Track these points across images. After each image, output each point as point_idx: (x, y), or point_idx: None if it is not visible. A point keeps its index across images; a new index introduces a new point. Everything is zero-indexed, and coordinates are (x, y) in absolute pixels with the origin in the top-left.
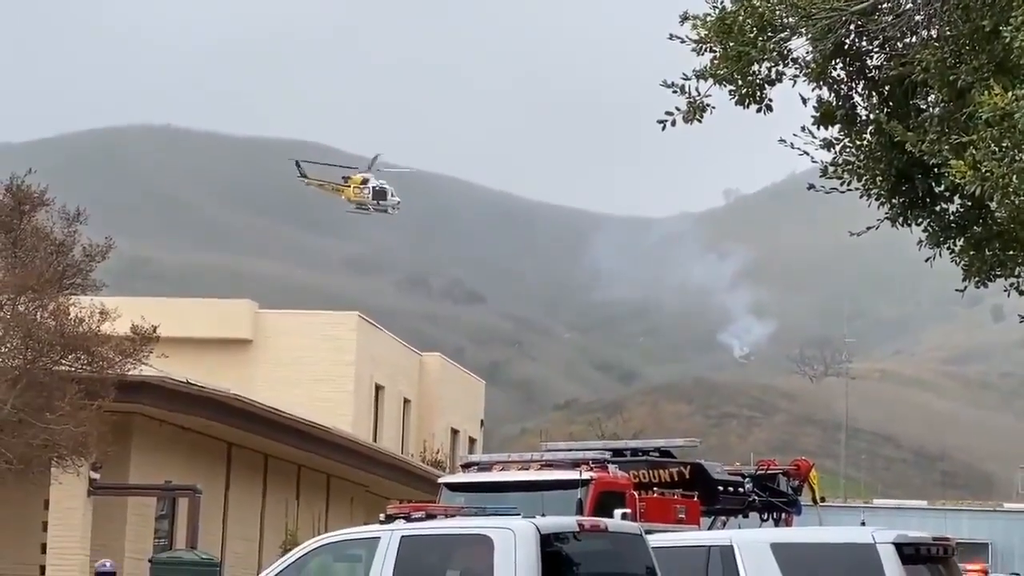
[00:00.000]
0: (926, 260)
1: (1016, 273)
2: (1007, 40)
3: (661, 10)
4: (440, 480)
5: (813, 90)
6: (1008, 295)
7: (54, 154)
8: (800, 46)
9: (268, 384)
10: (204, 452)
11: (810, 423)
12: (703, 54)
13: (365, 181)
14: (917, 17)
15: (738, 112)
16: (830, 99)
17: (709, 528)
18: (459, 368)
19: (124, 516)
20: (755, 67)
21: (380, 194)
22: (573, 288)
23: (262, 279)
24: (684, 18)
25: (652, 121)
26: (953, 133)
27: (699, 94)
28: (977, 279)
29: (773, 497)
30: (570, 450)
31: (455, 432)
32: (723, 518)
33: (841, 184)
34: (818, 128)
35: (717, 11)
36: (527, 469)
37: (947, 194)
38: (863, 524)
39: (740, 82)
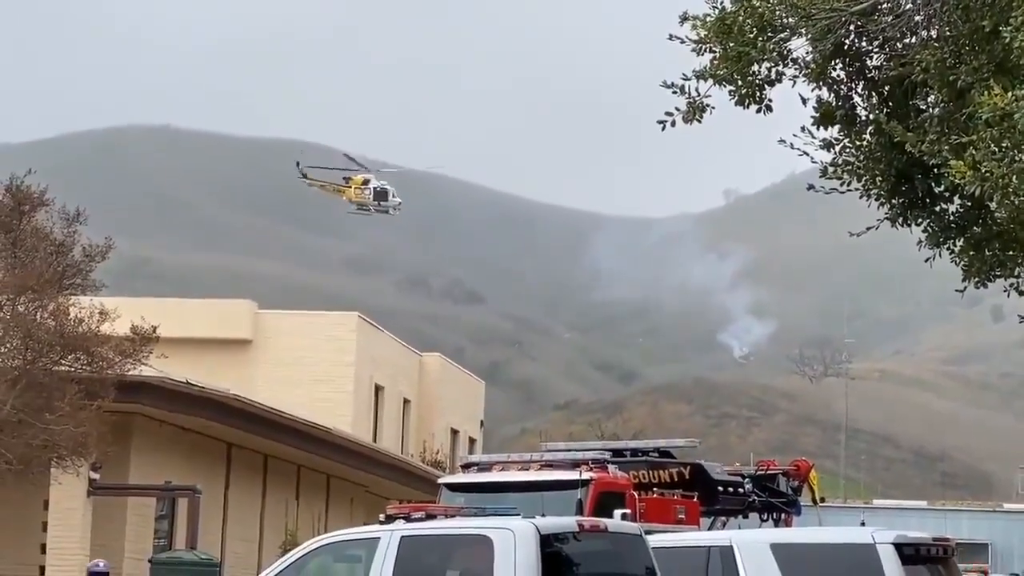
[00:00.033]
0: (926, 260)
1: (1016, 273)
2: (1007, 40)
3: (661, 10)
4: (440, 480)
5: (813, 90)
6: (1008, 295)
7: (54, 154)
8: (800, 46)
9: (268, 384)
10: (204, 452)
11: (810, 423)
12: (703, 54)
13: (366, 182)
14: (917, 17)
15: (738, 112)
16: (830, 99)
17: (709, 528)
18: (459, 368)
19: (124, 516)
20: (755, 67)
21: (381, 195)
22: (573, 288)
23: (262, 279)
24: (684, 18)
25: (652, 121)
26: (953, 133)
27: (699, 94)
28: (977, 279)
29: (773, 497)
30: (570, 450)
31: (455, 432)
32: (723, 518)
33: (841, 184)
34: (818, 128)
35: (717, 11)
36: (527, 469)
37: (947, 194)
38: (863, 524)
39: (740, 82)
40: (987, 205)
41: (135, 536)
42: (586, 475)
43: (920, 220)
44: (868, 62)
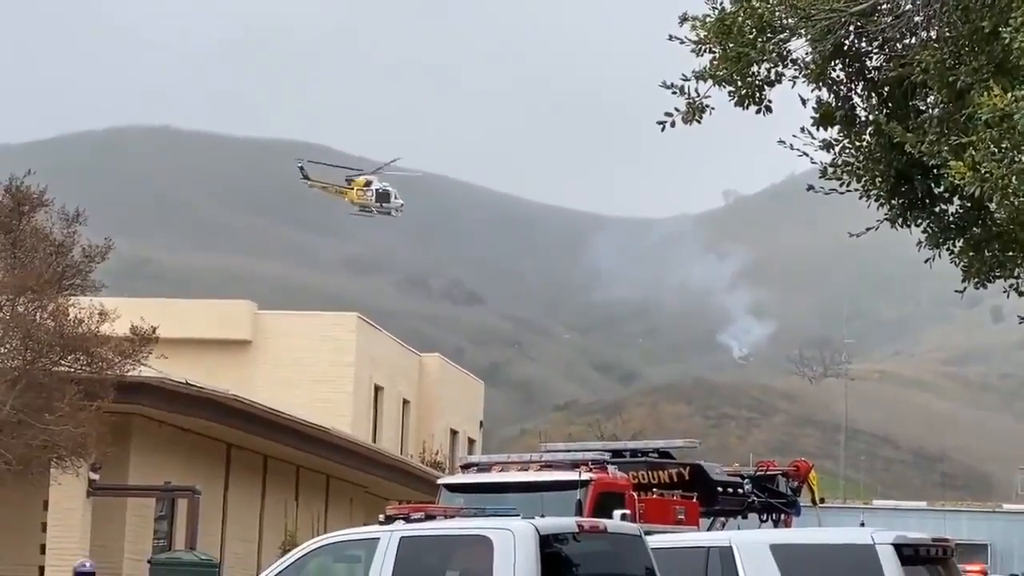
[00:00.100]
0: (925, 261)
1: (1015, 274)
2: (1006, 41)
3: (661, 11)
4: (439, 481)
5: (812, 91)
6: (1007, 296)
7: (53, 155)
8: (799, 47)
9: (267, 385)
10: (203, 453)
11: (809, 424)
12: (702, 55)
13: (368, 184)
14: (917, 18)
15: (738, 113)
16: (829, 100)
17: (708, 529)
18: (458, 369)
19: (123, 517)
20: (754, 68)
21: (383, 196)
22: (573, 289)
23: (261, 280)
24: (683, 19)
25: (652, 122)
26: (952, 134)
27: (699, 95)
28: (976, 280)
29: (772, 498)
30: (569, 451)
31: (454, 433)
32: (722, 519)
33: (840, 185)
34: (817, 129)
35: (716, 12)
36: (526, 470)
37: (946, 195)
38: (862, 525)
39: (739, 83)
40: (987, 206)
41: (134, 537)
42: (585, 476)
43: (920, 221)
44: (868, 63)
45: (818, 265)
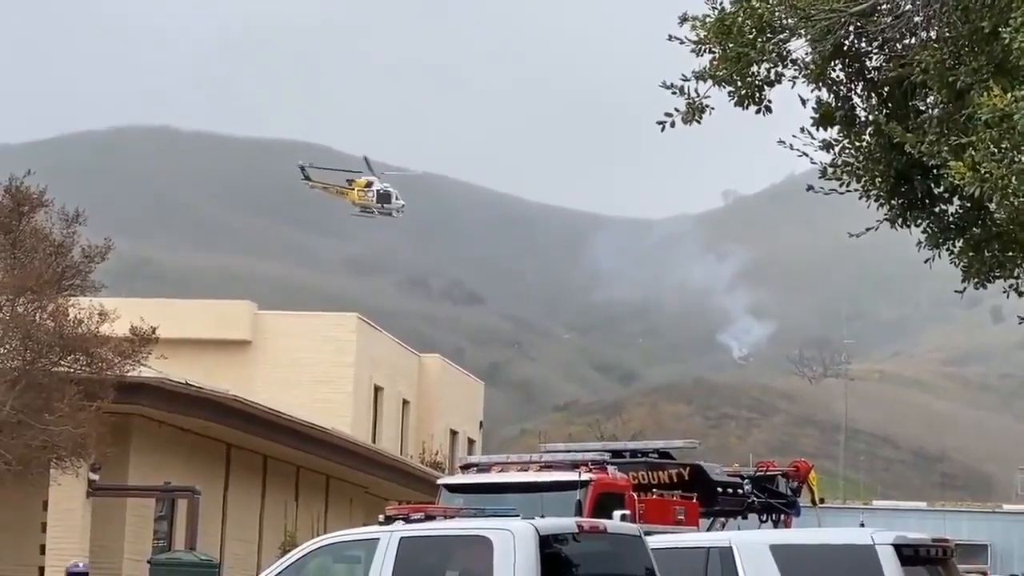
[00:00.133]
0: (925, 261)
1: (1015, 274)
2: (1006, 41)
3: (661, 11)
4: (439, 481)
5: (812, 91)
6: (1007, 296)
7: (53, 155)
8: (799, 47)
9: (267, 385)
10: (203, 453)
11: (809, 424)
12: (702, 55)
13: (369, 184)
14: (916, 18)
15: (737, 113)
16: (829, 100)
17: (708, 529)
18: (458, 369)
19: (123, 517)
20: (754, 68)
21: (384, 197)
22: (573, 289)
23: (261, 280)
24: (683, 19)
25: (652, 122)
26: (952, 134)
27: (698, 95)
28: (976, 280)
29: (772, 498)
30: (569, 451)
31: (454, 433)
32: (722, 519)
33: (840, 185)
34: (817, 129)
35: (716, 12)
36: (526, 470)
37: (946, 195)
38: (862, 525)
39: (739, 83)
40: (986, 206)
41: (134, 537)
42: (585, 476)
43: (919, 221)
44: (868, 63)
45: (818, 265)
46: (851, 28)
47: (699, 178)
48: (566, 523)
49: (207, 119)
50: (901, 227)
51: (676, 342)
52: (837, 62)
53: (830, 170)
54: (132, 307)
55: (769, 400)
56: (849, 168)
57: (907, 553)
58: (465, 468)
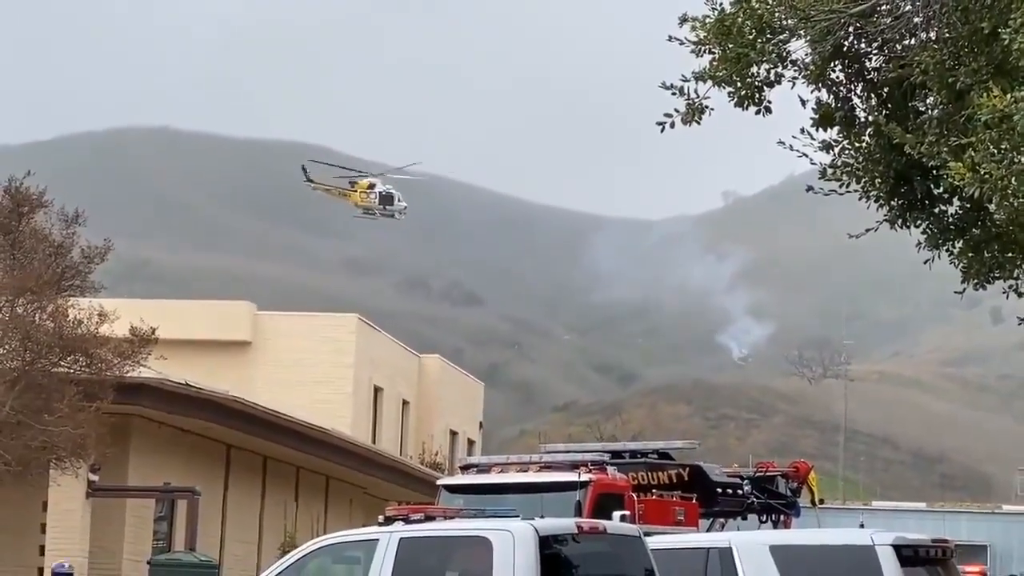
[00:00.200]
0: (925, 262)
1: (1015, 275)
2: (1006, 42)
3: (661, 11)
4: (439, 482)
5: (812, 92)
6: (1007, 297)
7: (53, 156)
8: (799, 48)
9: (267, 386)
10: (203, 454)
11: (809, 425)
12: (702, 56)
13: (372, 186)
14: (916, 19)
15: (737, 114)
16: (829, 101)
17: (708, 530)
18: (458, 370)
19: (123, 518)
20: (754, 69)
21: (387, 199)
22: (572, 290)
23: (261, 281)
24: (683, 20)
25: (651, 123)
26: (952, 135)
27: (698, 96)
28: (976, 281)
29: (772, 499)
30: (569, 452)
31: (454, 434)
32: (722, 520)
33: (840, 186)
34: (817, 130)
35: (716, 13)
36: (526, 471)
37: (946, 196)
38: (862, 526)
39: (739, 84)
40: (986, 207)
41: (134, 538)
42: (585, 477)
43: (919, 222)
44: (867, 64)
45: (817, 266)
46: (851, 29)
47: (699, 179)
48: (566, 524)
49: (207, 120)
50: (901, 228)
51: (676, 343)
52: (837, 63)
53: (830, 171)
54: (132, 308)
55: (769, 401)
56: (849, 169)
57: (906, 554)
58: (465, 469)
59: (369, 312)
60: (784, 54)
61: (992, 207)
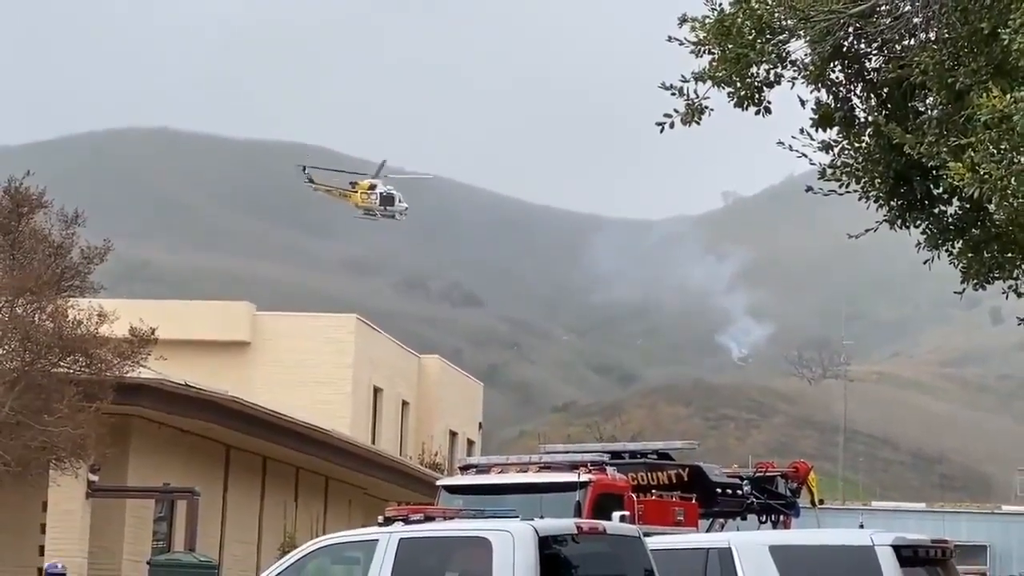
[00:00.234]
0: (924, 262)
1: (1015, 275)
2: (1005, 42)
3: (660, 12)
4: (438, 482)
5: (811, 92)
6: (1007, 297)
7: (52, 156)
8: (798, 48)
9: (266, 386)
10: (202, 454)
11: (808, 425)
12: (702, 56)
13: (372, 187)
14: (916, 19)
15: (737, 114)
16: (828, 101)
17: (707, 530)
18: (457, 370)
19: (122, 518)
20: (753, 69)
21: (387, 200)
22: (572, 290)
23: (261, 281)
24: (683, 20)
25: (651, 123)
26: (952, 135)
27: (698, 96)
28: (976, 281)
29: (771, 499)
30: (568, 452)
31: (453, 434)
32: (721, 520)
33: (839, 186)
34: (816, 130)
35: (716, 13)
36: (525, 471)
37: (946, 196)
38: (861, 526)
39: (739, 84)
40: (986, 207)
41: (134, 538)
42: (584, 477)
43: (919, 222)
44: (867, 64)
45: (817, 266)
46: (850, 29)
47: (698, 179)
48: (565, 524)
49: (207, 120)
50: (900, 228)
51: (675, 343)
52: (836, 63)
53: (829, 171)
54: (131, 308)
55: (768, 401)
56: (848, 169)
57: (906, 554)
58: (464, 469)
59: (368, 312)
60: (784, 54)
61: (992, 207)
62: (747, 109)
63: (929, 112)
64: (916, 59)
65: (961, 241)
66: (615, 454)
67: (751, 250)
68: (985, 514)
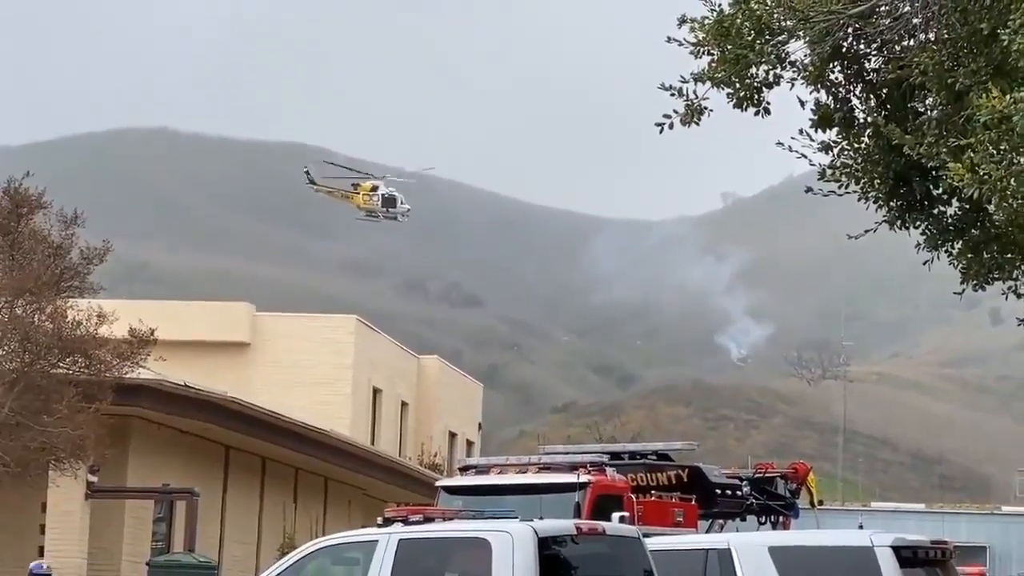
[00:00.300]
0: (924, 263)
1: (1014, 276)
2: (1005, 43)
3: (660, 12)
4: (438, 483)
5: (811, 93)
6: (1006, 298)
7: (52, 157)
8: (798, 49)
9: (266, 387)
10: (202, 455)
11: (808, 426)
12: (701, 57)
13: (375, 188)
14: (915, 20)
15: (736, 115)
16: (828, 102)
17: (707, 531)
18: (457, 371)
19: (122, 519)
20: (753, 70)
21: (389, 201)
22: (571, 291)
23: (260, 282)
24: (682, 21)
25: (651, 124)
26: (951, 136)
27: (697, 97)
28: (975, 282)
29: (771, 500)
30: (568, 453)
31: (453, 435)
32: (721, 521)
33: (839, 187)
34: (816, 131)
35: (715, 14)
36: (525, 472)
37: (945, 197)
38: (861, 527)
39: (738, 85)
40: (985, 208)
41: (133, 539)
42: (584, 478)
43: (918, 223)
44: (866, 65)
45: (817, 267)
46: (850, 30)
47: (698, 180)
48: (564, 525)
49: (207, 120)
50: (900, 229)
51: (675, 344)
52: (836, 64)
53: (829, 172)
54: (131, 309)
55: (768, 402)
56: (848, 170)
57: (905, 555)
58: (464, 470)
59: (368, 313)
60: (783, 55)
61: (991, 208)
62: (746, 110)
63: (929, 113)
64: (916, 60)
65: (961, 242)
66: (614, 455)
67: (751, 251)
68: (985, 515)
